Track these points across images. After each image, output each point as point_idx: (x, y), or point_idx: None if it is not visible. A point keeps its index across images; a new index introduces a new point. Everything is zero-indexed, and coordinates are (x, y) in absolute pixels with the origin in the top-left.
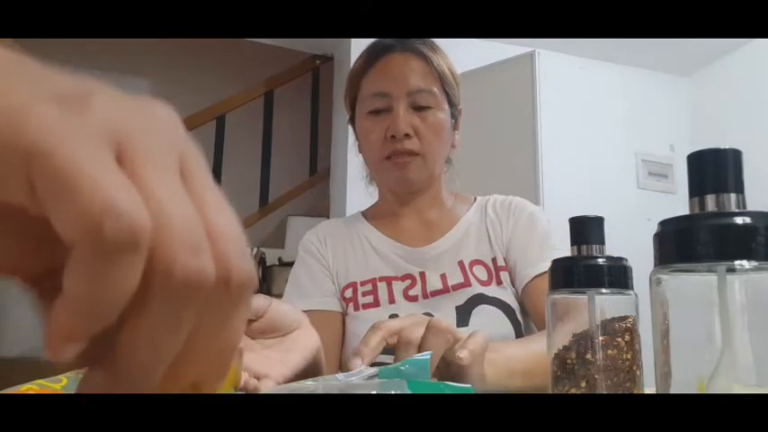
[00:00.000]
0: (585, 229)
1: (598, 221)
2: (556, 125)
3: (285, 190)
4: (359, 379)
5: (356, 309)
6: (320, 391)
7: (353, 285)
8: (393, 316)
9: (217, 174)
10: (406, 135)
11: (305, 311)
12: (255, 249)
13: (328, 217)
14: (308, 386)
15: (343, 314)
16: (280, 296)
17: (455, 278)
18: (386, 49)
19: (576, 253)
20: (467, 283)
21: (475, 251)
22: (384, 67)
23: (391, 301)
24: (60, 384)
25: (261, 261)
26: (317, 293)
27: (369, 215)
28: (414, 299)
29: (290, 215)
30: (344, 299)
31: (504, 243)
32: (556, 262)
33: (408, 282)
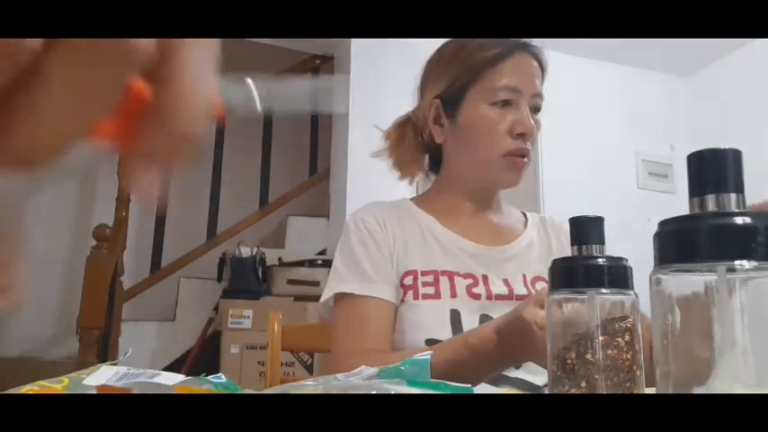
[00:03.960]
0: (585, 229)
1: (598, 221)
2: (556, 125)
3: (285, 190)
4: (359, 379)
5: (415, 297)
6: (320, 391)
7: (414, 273)
8: (454, 310)
9: (217, 174)
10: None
11: (364, 296)
12: (255, 249)
13: (328, 217)
14: (308, 386)
15: (397, 304)
16: (279, 296)
17: (519, 288)
18: (520, 47)
19: (576, 253)
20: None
21: (538, 267)
22: (518, 63)
23: (453, 295)
24: (61, 384)
25: (261, 261)
26: (379, 281)
27: (424, 206)
28: (476, 297)
29: (290, 215)
30: (403, 285)
31: None
32: (556, 262)
33: (471, 280)
